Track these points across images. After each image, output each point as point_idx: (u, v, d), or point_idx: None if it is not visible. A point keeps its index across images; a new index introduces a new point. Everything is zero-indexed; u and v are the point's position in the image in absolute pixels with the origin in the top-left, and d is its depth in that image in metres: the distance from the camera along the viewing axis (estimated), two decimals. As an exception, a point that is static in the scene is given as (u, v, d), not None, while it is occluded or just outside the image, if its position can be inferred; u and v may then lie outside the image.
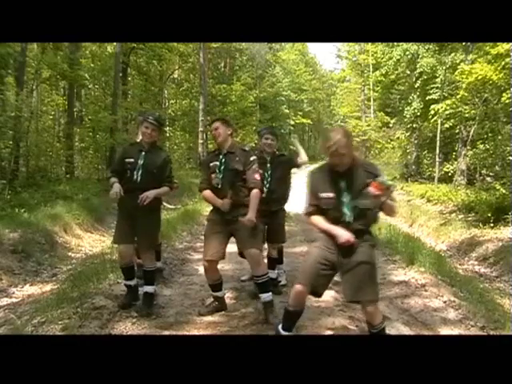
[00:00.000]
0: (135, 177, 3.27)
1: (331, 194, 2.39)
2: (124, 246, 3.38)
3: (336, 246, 2.40)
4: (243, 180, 3.16)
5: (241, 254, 3.47)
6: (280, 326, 2.70)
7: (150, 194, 3.22)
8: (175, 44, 18.09)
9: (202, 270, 4.79)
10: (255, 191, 3.13)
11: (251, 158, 3.22)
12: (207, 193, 3.26)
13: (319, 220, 2.47)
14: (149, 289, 3.42)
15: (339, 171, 2.38)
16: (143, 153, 3.32)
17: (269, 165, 3.78)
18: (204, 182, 3.30)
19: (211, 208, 3.34)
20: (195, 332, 3.03)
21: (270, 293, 3.19)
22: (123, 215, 3.40)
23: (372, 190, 2.24)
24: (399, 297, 3.75)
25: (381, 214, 2.48)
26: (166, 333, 2.98)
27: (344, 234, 2.34)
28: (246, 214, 3.04)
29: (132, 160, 3.30)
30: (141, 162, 3.29)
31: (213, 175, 3.21)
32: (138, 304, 3.42)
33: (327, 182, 2.41)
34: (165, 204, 4.95)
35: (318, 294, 2.55)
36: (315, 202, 2.46)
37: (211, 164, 3.24)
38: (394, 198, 2.43)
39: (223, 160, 3.20)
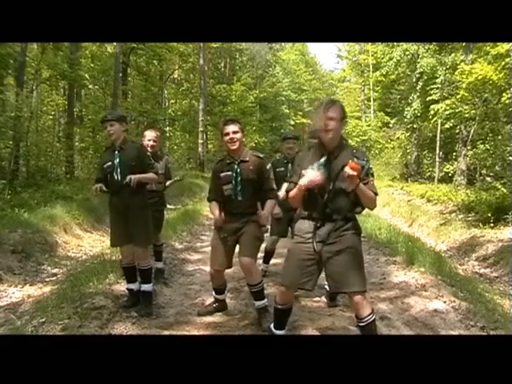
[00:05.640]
0: (116, 177, 3.28)
1: None
2: (124, 246, 3.40)
3: (310, 231, 2.35)
4: (257, 188, 3.11)
5: None
6: (272, 325, 2.71)
7: (135, 176, 3.21)
8: (175, 44, 18.08)
9: (201, 270, 4.82)
10: (272, 201, 3.14)
11: (267, 167, 3.16)
12: (213, 204, 3.20)
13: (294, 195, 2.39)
14: (146, 287, 3.42)
15: (325, 149, 2.30)
16: (116, 152, 3.32)
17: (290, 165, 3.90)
18: (212, 193, 3.23)
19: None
20: (195, 332, 3.03)
21: (265, 300, 3.16)
22: (115, 217, 3.40)
23: (347, 169, 2.11)
24: (399, 297, 3.75)
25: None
26: (166, 333, 2.98)
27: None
28: (254, 222, 3.06)
29: (110, 163, 3.31)
30: (117, 160, 3.29)
31: (225, 186, 3.09)
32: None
33: (311, 160, 2.30)
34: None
35: (309, 289, 2.50)
36: (296, 180, 2.35)
37: (222, 174, 3.11)
38: (374, 187, 2.31)
39: (238, 170, 3.07)
